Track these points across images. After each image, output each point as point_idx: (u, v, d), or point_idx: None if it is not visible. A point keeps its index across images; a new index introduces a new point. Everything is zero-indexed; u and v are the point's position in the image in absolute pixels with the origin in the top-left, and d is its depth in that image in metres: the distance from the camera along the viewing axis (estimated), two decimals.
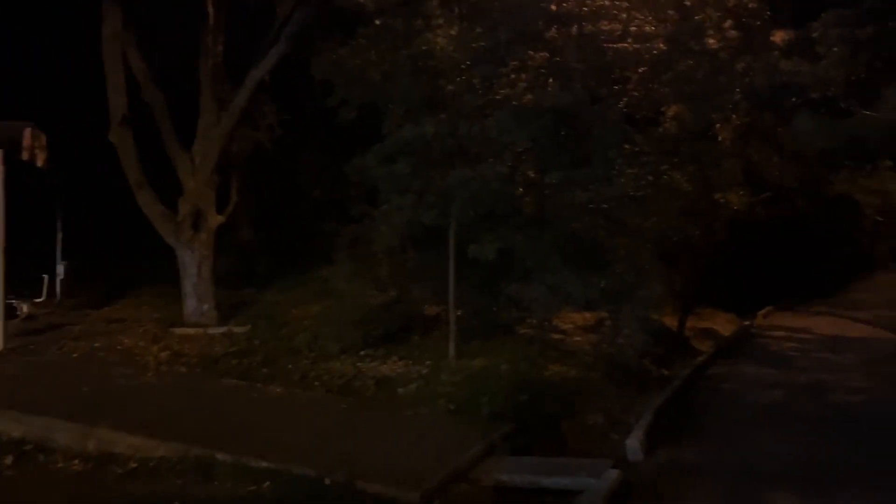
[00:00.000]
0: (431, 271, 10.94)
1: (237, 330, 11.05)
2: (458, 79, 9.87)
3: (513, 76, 9.76)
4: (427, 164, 9.68)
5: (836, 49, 8.60)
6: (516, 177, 9.95)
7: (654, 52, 10.27)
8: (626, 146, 9.36)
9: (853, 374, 10.47)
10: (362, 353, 9.98)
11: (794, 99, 9.65)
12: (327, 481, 5.37)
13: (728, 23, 11.41)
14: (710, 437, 7.12)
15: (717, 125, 15.59)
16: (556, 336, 12.28)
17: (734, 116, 15.25)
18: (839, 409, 8.38)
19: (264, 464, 5.66)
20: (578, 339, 12.30)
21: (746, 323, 16.51)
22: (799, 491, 5.35)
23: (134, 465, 5.72)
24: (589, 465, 5.94)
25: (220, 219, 12.13)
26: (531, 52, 9.50)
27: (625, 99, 10.06)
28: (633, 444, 6.45)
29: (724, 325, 16.58)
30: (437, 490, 5.47)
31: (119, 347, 9.55)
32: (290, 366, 9.41)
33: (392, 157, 9.63)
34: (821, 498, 5.20)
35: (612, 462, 6.03)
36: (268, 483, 5.38)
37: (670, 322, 14.47)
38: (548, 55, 9.44)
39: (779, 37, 12.51)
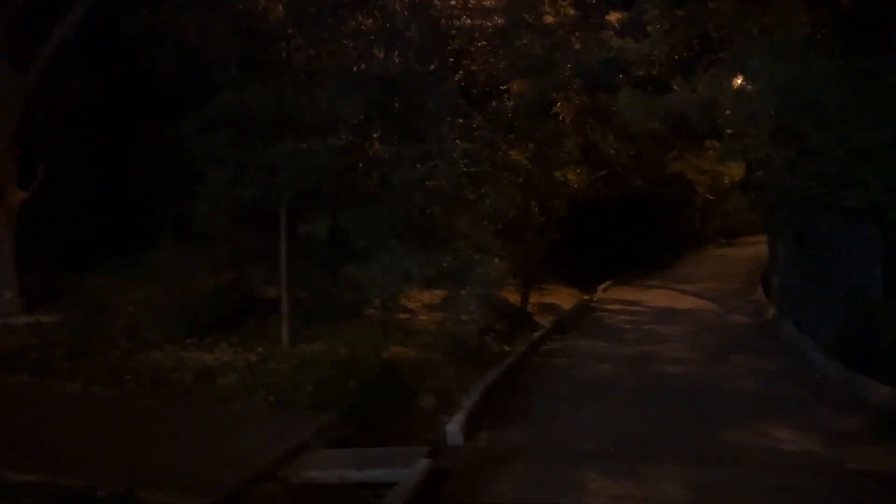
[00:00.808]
0: (270, 252, 10.30)
1: (45, 319, 9.86)
2: (283, 44, 9.21)
3: (345, 42, 9.23)
4: (250, 135, 8.99)
5: (658, 26, 8.83)
6: (349, 151, 9.46)
7: (491, 25, 10.09)
8: (461, 120, 9.11)
9: (677, 345, 10.93)
10: (188, 341, 9.26)
11: (621, 76, 9.83)
12: (101, 493, 4.68)
13: (566, 0, 11.51)
14: (535, 416, 7.04)
15: (558, 104, 15.89)
16: (402, 316, 11.99)
17: (573, 95, 15.57)
18: (662, 380, 8.63)
19: (28, 477, 4.86)
20: (424, 318, 12.09)
21: (586, 297, 17.04)
22: (613, 471, 5.30)
23: None
24: (406, 455, 5.62)
25: (22, 195, 10.73)
26: (361, 18, 9.00)
27: (461, 72, 9.82)
28: (454, 428, 6.22)
29: (566, 299, 17.00)
30: (233, 495, 4.92)
31: None
32: (101, 358, 8.47)
33: (210, 127, 8.82)
34: (634, 476, 5.17)
35: (428, 449, 5.74)
36: (27, 500, 4.61)
37: (514, 298, 14.61)
38: (378, 21, 8.98)
39: (614, 17, 12.78)
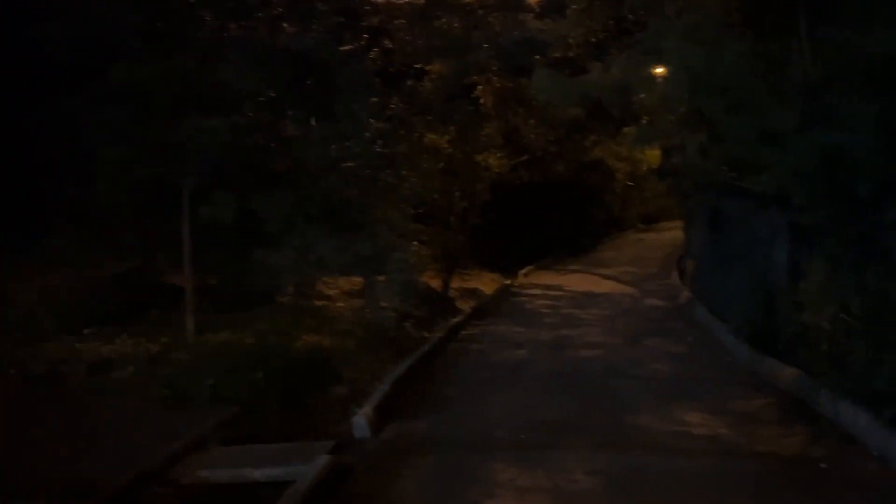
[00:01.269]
0: (179, 236, 9.75)
1: None
2: (188, 14, 8.64)
3: (253, 14, 8.75)
4: (150, 111, 8.41)
5: (574, 7, 8.73)
6: (257, 130, 9.00)
7: (409, 3, 9.79)
8: (375, 99, 8.78)
9: (593, 329, 10.99)
10: (87, 332, 8.66)
11: (538, 57, 9.71)
12: None
13: None
14: (447, 405, 6.86)
15: (479, 87, 15.74)
16: (320, 303, 11.64)
17: (495, 78, 15.44)
18: (577, 364, 8.60)
19: None
20: (342, 305, 11.76)
21: (507, 282, 17.04)
22: (523, 460, 5.16)
23: None
24: (308, 450, 5.32)
25: None
26: None
27: (377, 50, 9.47)
28: (360, 420, 5.95)
29: (489, 284, 16.95)
30: (116, 498, 4.52)
31: None
32: None
33: (104, 102, 8.20)
34: (544, 466, 5.04)
35: (333, 444, 5.46)
36: None
37: (436, 283, 14.43)
38: None
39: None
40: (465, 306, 13.85)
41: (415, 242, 11.46)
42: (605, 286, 16.34)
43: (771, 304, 7.69)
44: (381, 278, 10.09)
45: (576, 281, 17.29)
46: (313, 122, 8.72)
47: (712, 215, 10.89)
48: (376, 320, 10.12)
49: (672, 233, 26.85)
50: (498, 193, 16.51)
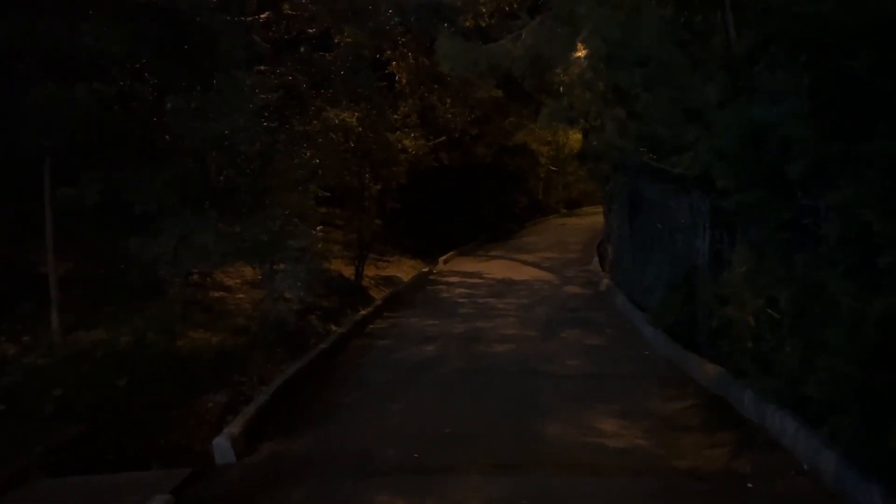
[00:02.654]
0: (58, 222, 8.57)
1: None
2: None
3: None
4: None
5: None
6: (125, 100, 7.89)
7: None
8: (263, 68, 7.79)
9: (509, 320, 10.33)
10: None
11: (446, 25, 8.92)
12: None
13: None
14: (336, 416, 6.01)
15: (394, 63, 14.83)
16: (217, 294, 10.62)
17: (409, 54, 14.57)
18: (487, 361, 7.89)
19: None
20: (242, 296, 10.76)
21: (425, 270, 16.26)
22: (412, 487, 4.39)
23: None
24: (155, 482, 4.40)
25: None
26: None
27: (267, 14, 8.45)
28: (222, 443, 5.03)
29: (407, 271, 16.16)
30: None
31: None
32: None
33: None
34: (434, 493, 4.29)
35: (188, 472, 4.56)
36: None
37: (349, 271, 13.56)
38: None
39: None
40: (379, 296, 13.03)
41: (320, 228, 10.61)
42: (526, 273, 15.78)
43: (692, 295, 7.17)
44: (281, 267, 9.27)
45: (496, 267, 16.67)
46: (189, 92, 7.65)
47: (632, 199, 10.38)
48: (272, 314, 9.27)
49: (593, 217, 26.72)
50: (419, 177, 15.73)
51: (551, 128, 25.71)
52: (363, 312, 10.56)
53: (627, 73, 6.42)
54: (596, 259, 16.26)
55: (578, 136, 26.23)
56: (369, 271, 14.57)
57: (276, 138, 8.27)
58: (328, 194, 12.93)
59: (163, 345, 8.04)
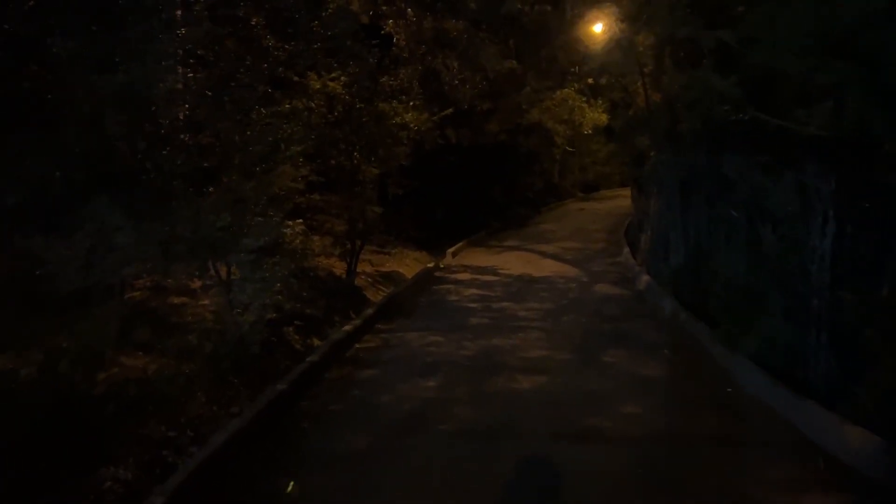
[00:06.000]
0: None
1: None
2: None
3: None
4: None
5: None
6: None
7: None
8: (179, 12, 5.54)
9: (534, 335, 8.08)
10: None
11: None
12: None
13: None
14: None
15: (390, 21, 12.52)
16: (177, 300, 8.49)
17: (409, 11, 12.26)
18: (507, 411, 5.60)
19: None
20: (206, 302, 8.58)
21: (430, 265, 14.02)
22: None
23: None
24: None
25: None
26: None
27: None
28: None
29: (411, 265, 13.99)
30: None
31: None
32: None
33: None
34: None
35: None
36: None
37: (342, 268, 11.41)
38: None
39: None
40: (378, 297, 10.89)
41: (299, 220, 8.49)
42: (546, 267, 13.52)
43: (806, 323, 4.90)
44: (235, 272, 7.29)
45: (512, 261, 14.41)
46: (90, 39, 5.42)
47: (689, 177, 8.09)
48: (233, 331, 7.20)
49: (615, 202, 24.45)
50: (423, 158, 13.50)
51: (567, 105, 23.58)
52: (347, 328, 8.31)
53: None
54: (626, 250, 13.99)
55: (597, 114, 24.07)
56: (366, 267, 12.41)
57: (217, 100, 6.04)
58: (322, 179, 10.74)
59: (78, 377, 5.99)
